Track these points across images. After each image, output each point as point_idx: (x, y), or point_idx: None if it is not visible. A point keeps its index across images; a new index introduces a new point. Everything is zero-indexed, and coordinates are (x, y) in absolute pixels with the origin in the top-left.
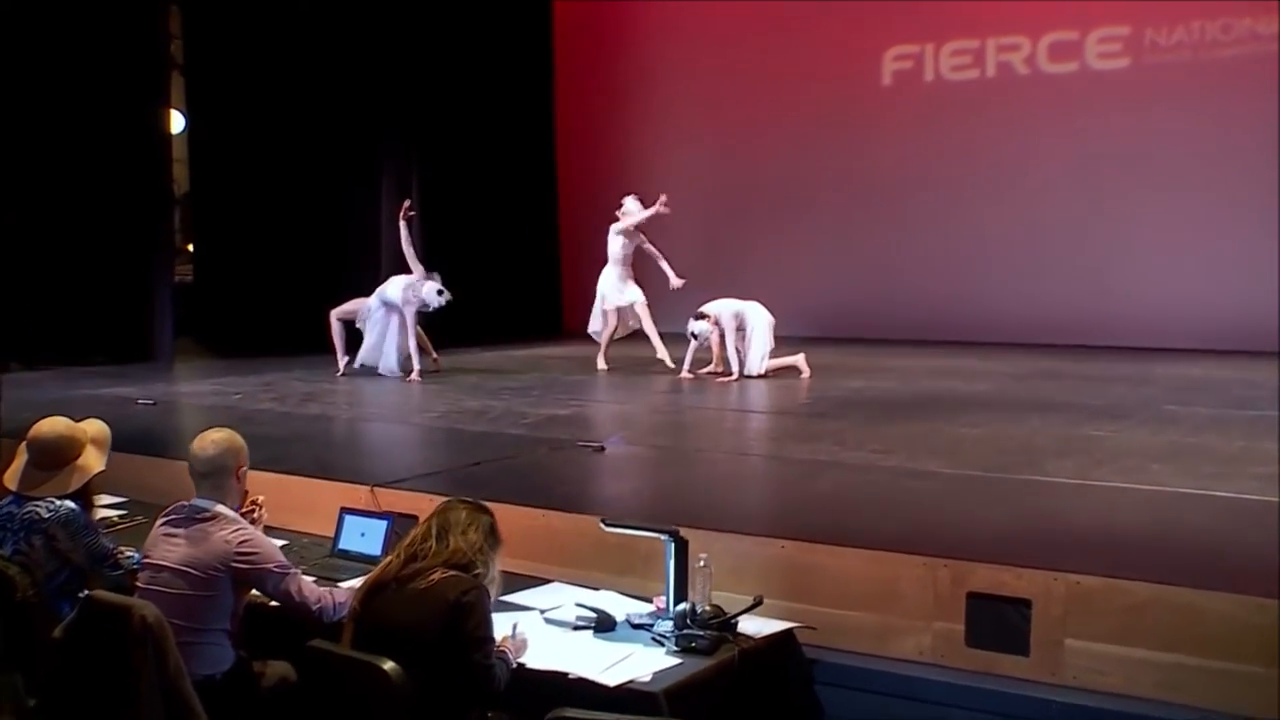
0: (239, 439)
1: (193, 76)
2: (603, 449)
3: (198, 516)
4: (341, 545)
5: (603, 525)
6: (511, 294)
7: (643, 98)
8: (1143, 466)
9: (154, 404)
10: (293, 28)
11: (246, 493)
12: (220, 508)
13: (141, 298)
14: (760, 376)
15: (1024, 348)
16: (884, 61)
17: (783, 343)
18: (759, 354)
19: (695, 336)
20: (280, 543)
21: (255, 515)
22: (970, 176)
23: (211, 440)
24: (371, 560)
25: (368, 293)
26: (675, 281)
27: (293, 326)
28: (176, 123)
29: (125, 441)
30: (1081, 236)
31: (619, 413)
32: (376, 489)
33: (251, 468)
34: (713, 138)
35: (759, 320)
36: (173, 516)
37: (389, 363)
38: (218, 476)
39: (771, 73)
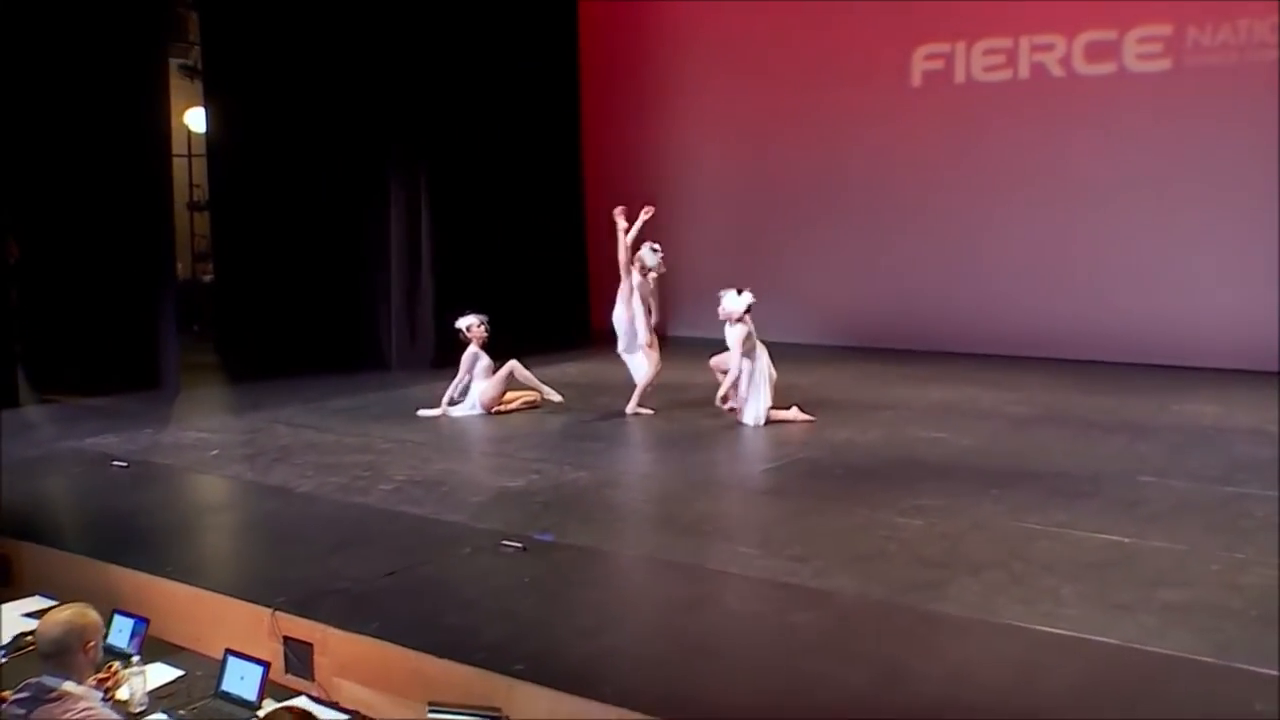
0: (88, 615)
1: (211, 81)
2: (524, 549)
3: (44, 697)
4: (224, 687)
5: (429, 713)
6: (538, 300)
7: (668, 99)
8: (1057, 589)
9: (127, 466)
10: (310, 30)
11: (111, 668)
12: (68, 684)
13: (147, 325)
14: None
15: (1052, 365)
16: (913, 61)
17: (808, 353)
18: (763, 406)
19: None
20: (175, 674)
21: (109, 685)
22: (1001, 182)
23: (56, 622)
24: (249, 706)
25: (378, 291)
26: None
27: (306, 329)
28: (197, 123)
29: (74, 536)
30: (1118, 248)
31: (562, 485)
32: (278, 614)
33: (173, 578)
34: (738, 140)
35: (762, 363)
36: (21, 695)
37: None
38: (63, 655)
39: (798, 73)
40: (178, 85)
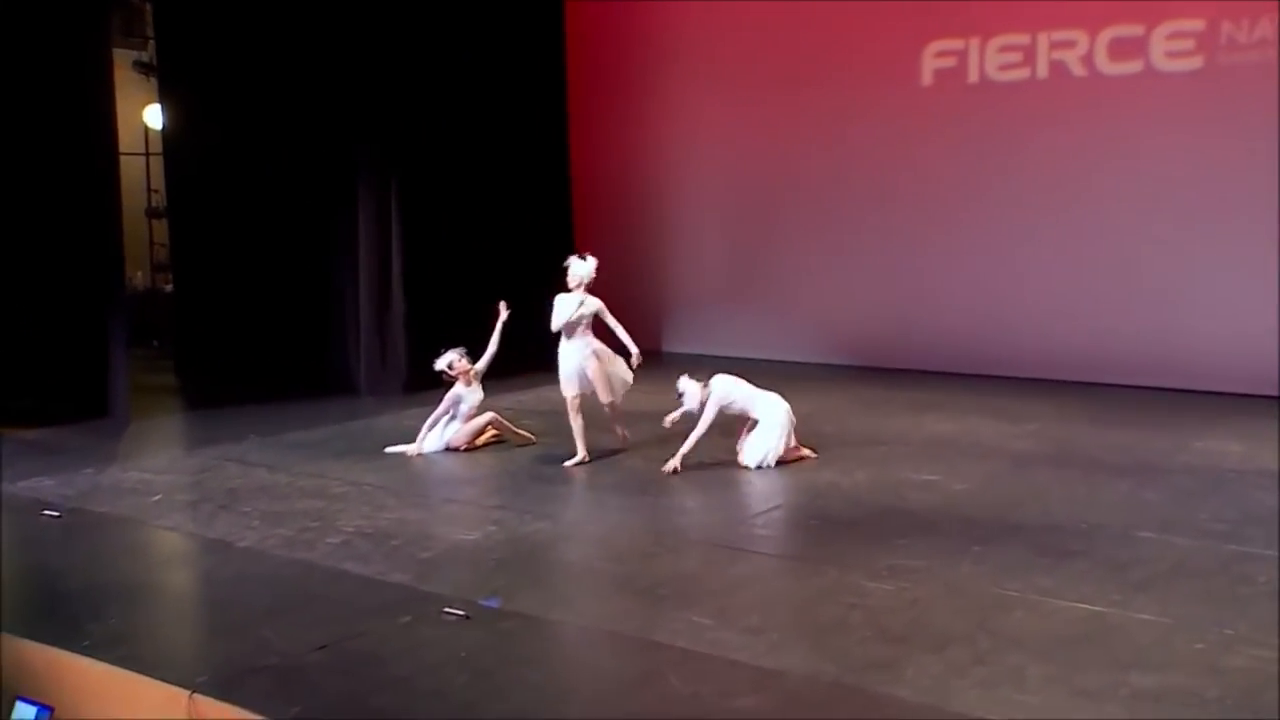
0: None
1: (167, 77)
2: (467, 617)
3: None
4: None
5: None
6: (522, 317)
7: (660, 102)
8: (1022, 670)
9: (59, 516)
10: (273, 24)
11: None
12: None
13: (95, 347)
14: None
15: (1070, 390)
16: (923, 59)
17: (806, 373)
18: (766, 449)
19: (680, 396)
20: None
21: None
22: (1017, 190)
23: None
24: None
25: (347, 308)
26: None
27: (270, 348)
28: (155, 120)
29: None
30: (1144, 261)
31: (520, 539)
32: (196, 696)
33: (88, 653)
34: (733, 146)
35: (773, 415)
36: None
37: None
38: None
39: (797, 72)
40: (134, 82)
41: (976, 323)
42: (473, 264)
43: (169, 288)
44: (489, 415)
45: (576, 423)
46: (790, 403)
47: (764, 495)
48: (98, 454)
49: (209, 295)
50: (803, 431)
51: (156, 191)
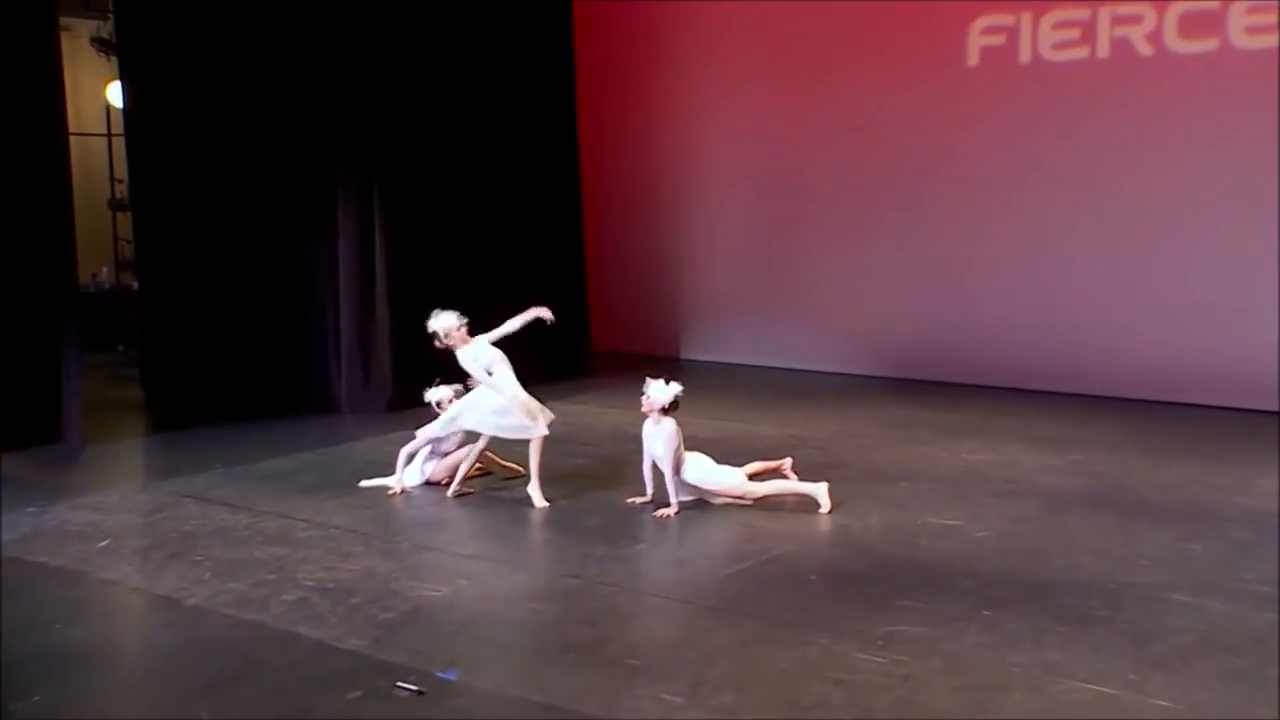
0: None
1: (127, 54)
2: (421, 693)
3: None
4: None
5: None
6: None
7: (678, 92)
8: None
9: None
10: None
11: None
12: None
13: (44, 361)
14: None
15: (1134, 410)
16: (969, 36)
17: (835, 385)
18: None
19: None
20: None
21: None
22: (1073, 183)
23: None
24: None
25: (326, 317)
26: None
27: (243, 361)
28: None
29: None
30: (1222, 266)
31: (491, 595)
32: None
33: None
34: (756, 137)
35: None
36: None
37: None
38: None
39: (827, 54)
40: (94, 60)
41: (1024, 332)
42: (466, 271)
43: (136, 285)
44: (466, 449)
45: None
46: (813, 423)
47: (763, 542)
48: (44, 489)
49: (177, 298)
50: (817, 464)
51: (120, 181)
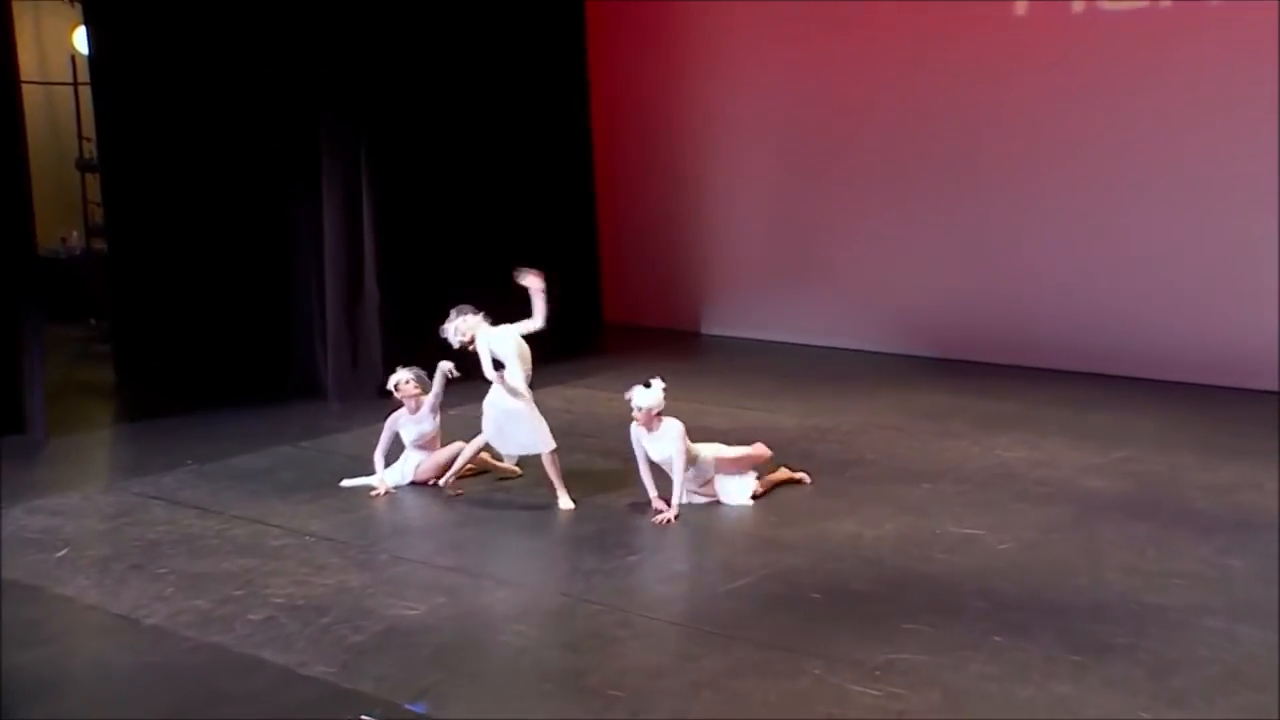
0: None
1: (94, 17)
2: None
3: None
4: None
5: None
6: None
7: (698, 45)
8: None
9: None
10: None
11: None
12: None
13: (4, 348)
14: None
15: (1194, 394)
16: None
17: (867, 365)
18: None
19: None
20: None
21: None
22: (1131, 144)
23: None
24: None
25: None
26: None
27: (222, 341)
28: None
29: None
30: None
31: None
32: None
33: None
34: (787, 95)
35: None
36: None
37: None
38: None
39: (860, 2)
40: (62, 5)
41: (1079, 309)
42: (463, 243)
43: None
44: (455, 446)
45: None
46: (837, 412)
47: (766, 554)
48: (14, 477)
49: (149, 271)
50: (841, 458)
51: (89, 140)
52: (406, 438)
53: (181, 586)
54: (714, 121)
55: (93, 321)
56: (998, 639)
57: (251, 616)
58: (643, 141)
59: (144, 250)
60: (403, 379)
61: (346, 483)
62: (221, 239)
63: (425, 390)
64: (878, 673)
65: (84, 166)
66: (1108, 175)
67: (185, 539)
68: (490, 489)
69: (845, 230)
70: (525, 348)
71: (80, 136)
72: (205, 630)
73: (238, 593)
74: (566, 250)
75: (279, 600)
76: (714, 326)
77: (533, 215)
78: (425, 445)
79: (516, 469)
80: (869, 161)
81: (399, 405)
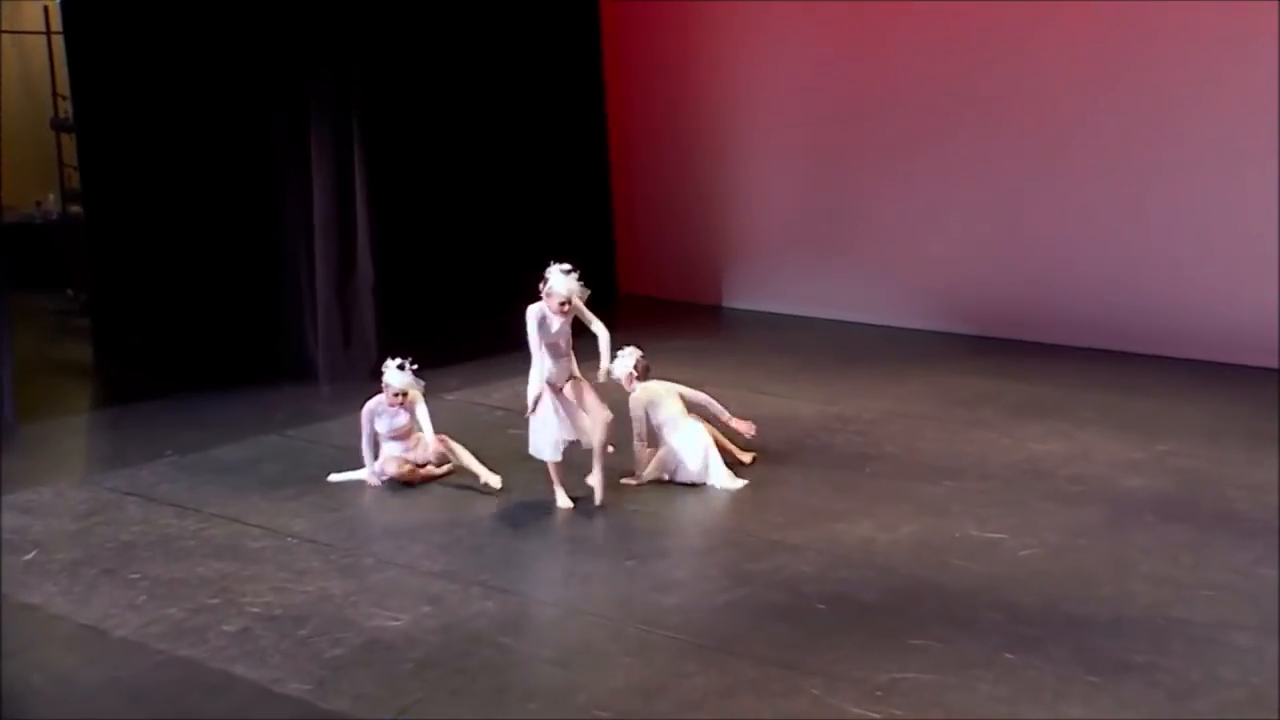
0: None
1: None
2: None
3: None
4: None
5: None
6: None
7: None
8: None
9: None
10: None
11: None
12: None
13: None
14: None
15: (1242, 375)
16: None
17: (902, 341)
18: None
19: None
20: None
21: None
22: (1191, 106)
23: None
24: None
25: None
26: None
27: (206, 318)
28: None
29: None
30: None
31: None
32: None
33: None
34: (812, 55)
35: (691, 449)
36: None
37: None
38: None
39: None
40: None
41: (1127, 285)
42: (465, 213)
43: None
44: (431, 442)
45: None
46: (861, 398)
47: (772, 558)
48: None
49: (127, 241)
50: (860, 450)
51: (64, 98)
52: (380, 428)
53: (154, 594)
54: (736, 83)
55: (70, 293)
56: (1010, 656)
57: (226, 628)
58: (660, 103)
59: (123, 218)
60: (388, 369)
61: (335, 477)
62: (205, 208)
63: (402, 386)
64: (879, 693)
65: (59, 126)
66: (1160, 139)
67: (160, 540)
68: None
69: (874, 198)
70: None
71: (55, 94)
72: (176, 643)
73: (212, 601)
74: (578, 218)
75: (255, 610)
76: (735, 299)
77: (541, 182)
78: (400, 436)
79: (493, 482)
80: (900, 122)
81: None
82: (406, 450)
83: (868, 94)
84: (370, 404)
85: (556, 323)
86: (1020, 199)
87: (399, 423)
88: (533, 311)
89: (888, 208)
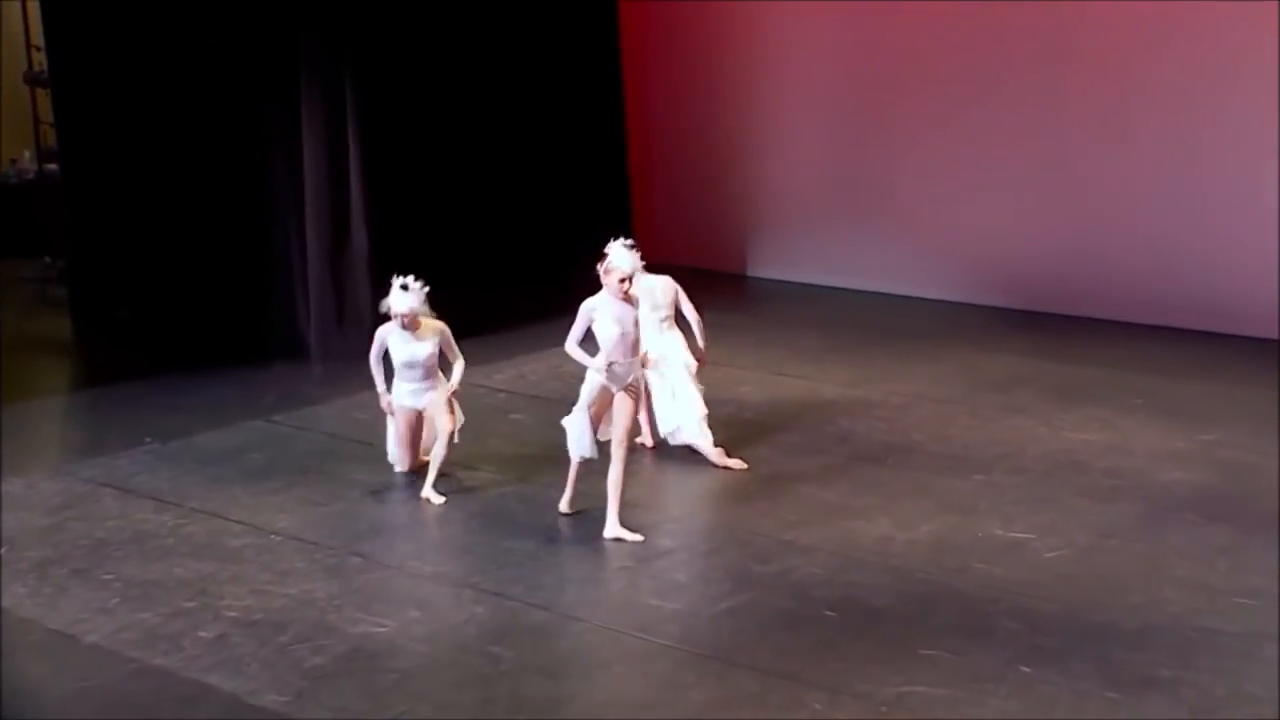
0: None
1: None
2: None
3: None
4: None
5: None
6: (551, 248)
7: None
8: None
9: None
10: None
11: None
12: None
13: None
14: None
15: None
16: None
17: (938, 314)
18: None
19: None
20: None
21: None
22: (1252, 65)
23: None
24: None
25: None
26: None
27: (191, 292)
28: None
29: None
30: None
31: (443, 634)
32: None
33: None
34: (843, 12)
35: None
36: None
37: None
38: None
39: None
40: None
41: (1181, 255)
42: (467, 184)
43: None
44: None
45: None
46: (890, 379)
47: (782, 559)
48: None
49: (110, 203)
50: (884, 440)
51: (39, 49)
52: (396, 357)
53: (128, 597)
54: (762, 39)
55: (47, 259)
56: (1025, 669)
57: (202, 634)
58: (680, 60)
59: (103, 179)
60: (398, 306)
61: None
62: (190, 172)
63: (419, 310)
64: (884, 708)
65: (34, 80)
66: (1216, 99)
67: (136, 538)
68: (480, 486)
69: (910, 161)
70: None
71: (29, 46)
72: (149, 650)
73: (189, 604)
74: (592, 180)
75: (233, 614)
76: (761, 268)
77: (550, 144)
78: (413, 365)
79: (434, 499)
80: (937, 81)
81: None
82: (418, 392)
83: (905, 48)
84: (387, 326)
85: (615, 309)
86: (1066, 162)
87: (416, 353)
88: (584, 307)
89: (923, 171)
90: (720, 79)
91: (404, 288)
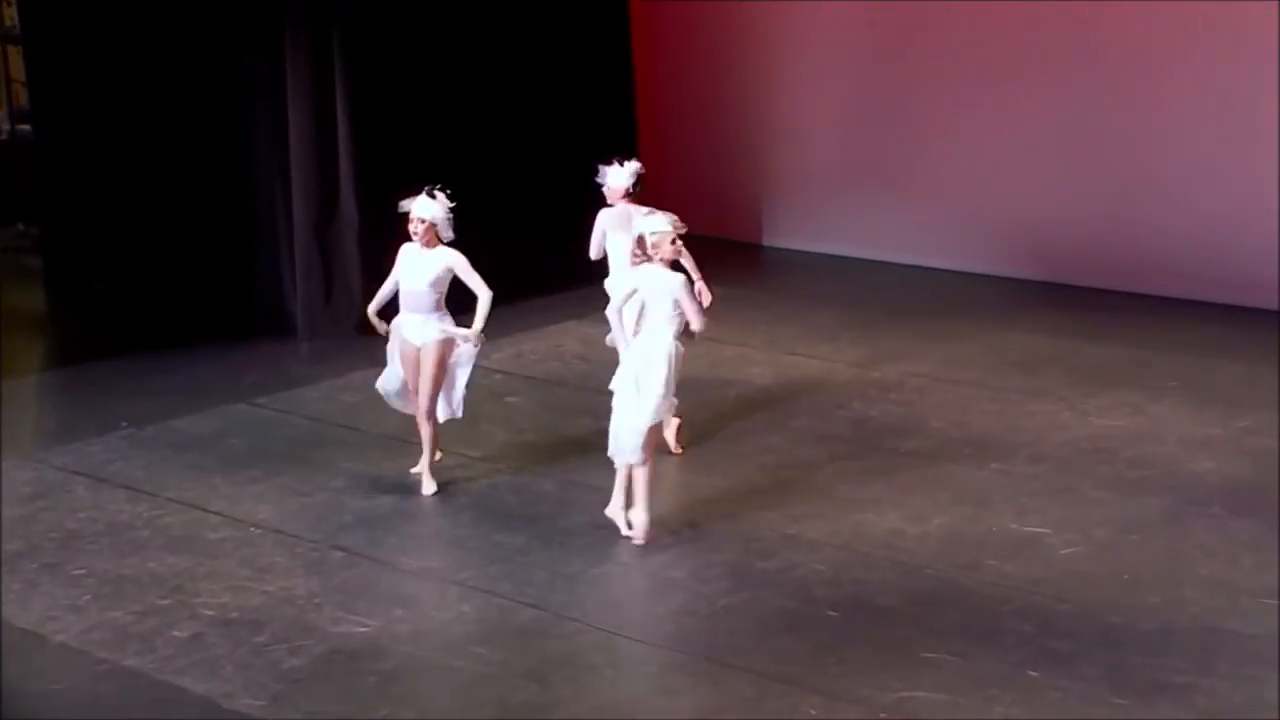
0: None
1: None
2: None
3: None
4: None
5: None
6: (566, 197)
7: None
8: None
9: None
10: None
11: None
12: None
13: None
14: None
15: None
16: None
17: (963, 287)
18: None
19: None
20: None
21: None
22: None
23: None
24: None
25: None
26: None
27: (171, 264)
28: None
29: None
30: None
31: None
32: None
33: None
34: None
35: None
36: None
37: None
38: None
39: None
40: None
41: (1213, 223)
42: (464, 151)
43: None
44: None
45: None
46: (907, 358)
47: (785, 554)
48: None
49: (86, 168)
50: (898, 426)
51: (9, 4)
52: (402, 282)
53: (100, 593)
54: (781, 10)
55: (21, 227)
56: (1033, 674)
57: (176, 633)
58: (694, 15)
59: (79, 142)
60: (418, 210)
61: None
62: (169, 135)
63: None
64: (883, 715)
65: (5, 37)
66: (1256, 62)
67: (110, 530)
68: (474, 477)
69: (932, 126)
70: None
71: None
72: (120, 651)
73: (163, 602)
74: (599, 142)
75: (209, 613)
76: (777, 238)
77: (554, 105)
78: (429, 301)
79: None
80: (962, 42)
81: (381, 344)
82: (418, 325)
83: (930, 8)
84: (406, 250)
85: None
86: (1096, 126)
87: (422, 274)
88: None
89: (947, 136)
90: (738, 34)
91: (431, 195)
